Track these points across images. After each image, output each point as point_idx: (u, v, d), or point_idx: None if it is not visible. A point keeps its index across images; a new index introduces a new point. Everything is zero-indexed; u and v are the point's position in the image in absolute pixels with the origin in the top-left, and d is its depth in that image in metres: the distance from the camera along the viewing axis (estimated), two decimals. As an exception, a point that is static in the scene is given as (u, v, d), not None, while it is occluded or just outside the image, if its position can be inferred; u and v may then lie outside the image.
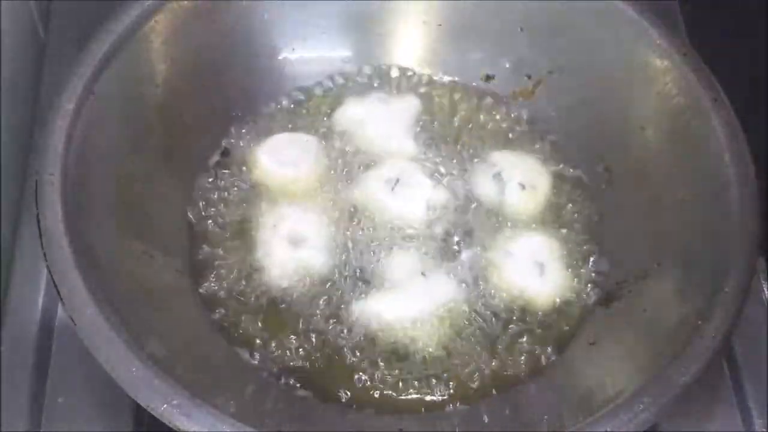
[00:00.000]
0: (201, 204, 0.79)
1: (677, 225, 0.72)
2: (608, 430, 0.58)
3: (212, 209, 0.79)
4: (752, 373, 0.73)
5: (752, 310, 0.74)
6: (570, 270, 0.77)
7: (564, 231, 0.79)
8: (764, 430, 0.71)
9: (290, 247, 0.76)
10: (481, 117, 0.86)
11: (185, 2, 0.78)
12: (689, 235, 0.71)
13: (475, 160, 0.82)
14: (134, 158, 0.74)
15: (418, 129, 0.85)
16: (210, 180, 0.81)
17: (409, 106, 0.86)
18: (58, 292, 0.61)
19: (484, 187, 0.81)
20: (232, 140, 0.83)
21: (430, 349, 0.72)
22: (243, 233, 0.78)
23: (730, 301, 0.63)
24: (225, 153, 0.82)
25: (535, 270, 0.75)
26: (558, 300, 0.75)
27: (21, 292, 0.75)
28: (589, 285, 0.76)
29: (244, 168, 0.81)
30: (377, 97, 0.85)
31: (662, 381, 0.60)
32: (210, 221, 0.78)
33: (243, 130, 0.83)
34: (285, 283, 0.75)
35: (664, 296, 0.70)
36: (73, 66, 0.71)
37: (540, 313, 0.74)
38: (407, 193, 0.79)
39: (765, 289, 0.77)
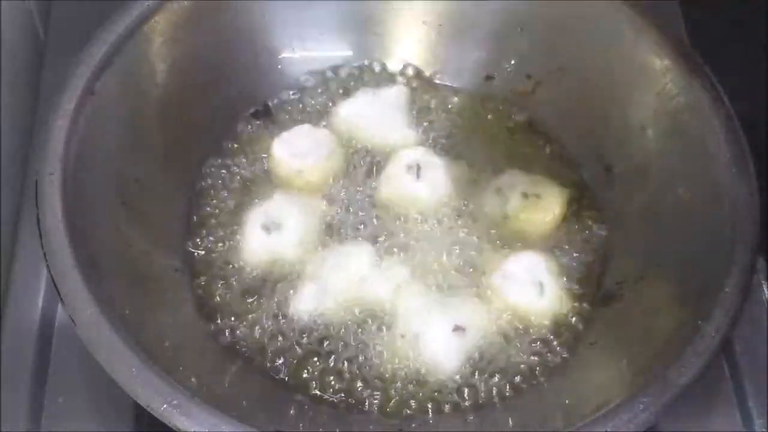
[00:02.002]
0: (202, 203, 0.79)
1: (677, 225, 0.72)
2: (608, 430, 0.58)
3: (212, 210, 0.79)
4: (752, 373, 0.73)
5: (752, 310, 0.75)
6: (570, 275, 0.76)
7: (563, 232, 0.79)
8: (764, 430, 0.71)
9: (263, 233, 0.75)
10: (481, 117, 0.86)
11: (185, 2, 0.78)
12: (689, 235, 0.71)
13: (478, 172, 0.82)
14: (134, 158, 0.74)
15: (420, 128, 0.85)
16: (211, 179, 0.81)
17: (397, 94, 0.85)
18: (58, 292, 0.61)
19: (487, 201, 0.80)
20: (235, 144, 0.83)
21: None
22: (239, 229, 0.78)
23: (730, 301, 0.63)
24: (262, 113, 0.84)
25: (534, 282, 0.74)
26: (559, 308, 0.74)
27: (21, 291, 0.75)
28: (588, 287, 0.76)
29: (246, 161, 0.82)
30: (365, 91, 0.85)
31: (662, 381, 0.60)
32: (211, 220, 0.78)
33: (245, 129, 0.84)
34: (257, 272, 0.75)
35: (664, 296, 0.70)
36: (73, 66, 0.71)
37: (541, 321, 0.74)
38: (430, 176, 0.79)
39: (765, 289, 0.77)
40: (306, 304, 0.73)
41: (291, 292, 0.74)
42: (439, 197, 0.79)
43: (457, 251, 0.77)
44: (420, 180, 0.79)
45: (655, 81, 0.76)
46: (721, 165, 0.70)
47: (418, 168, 0.79)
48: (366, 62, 0.88)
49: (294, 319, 0.73)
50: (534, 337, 0.73)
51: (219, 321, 0.73)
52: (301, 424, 0.67)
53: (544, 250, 0.77)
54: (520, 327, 0.73)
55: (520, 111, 0.86)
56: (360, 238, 0.77)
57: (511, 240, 0.78)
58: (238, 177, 0.81)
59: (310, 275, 0.74)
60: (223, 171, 0.81)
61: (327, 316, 0.73)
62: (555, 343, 0.73)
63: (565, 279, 0.75)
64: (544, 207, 0.79)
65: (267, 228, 0.76)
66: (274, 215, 0.76)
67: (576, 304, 0.75)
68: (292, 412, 0.68)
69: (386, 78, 0.88)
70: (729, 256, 0.65)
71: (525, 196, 0.79)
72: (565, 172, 0.82)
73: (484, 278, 0.75)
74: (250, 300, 0.74)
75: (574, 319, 0.74)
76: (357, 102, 0.84)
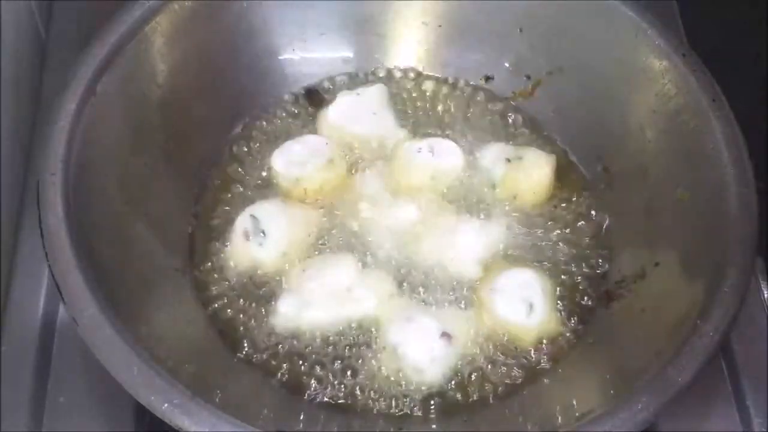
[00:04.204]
0: (203, 204, 0.80)
1: (676, 225, 0.73)
2: (607, 429, 0.58)
3: (213, 210, 0.80)
4: (751, 372, 0.73)
5: (751, 310, 0.75)
6: (567, 275, 0.77)
7: (562, 232, 0.79)
8: (763, 429, 0.71)
9: (243, 238, 0.75)
10: (481, 117, 0.86)
11: (187, 3, 0.78)
12: (688, 235, 0.71)
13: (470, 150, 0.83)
14: (135, 158, 0.74)
15: (416, 127, 0.85)
16: (212, 180, 0.81)
17: (378, 93, 0.85)
18: (60, 292, 0.62)
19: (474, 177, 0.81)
20: (236, 145, 0.83)
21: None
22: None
23: (728, 300, 0.63)
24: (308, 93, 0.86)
25: (524, 301, 0.73)
26: (547, 330, 0.73)
27: (23, 292, 0.75)
28: (587, 287, 0.76)
29: (247, 162, 0.82)
30: (346, 94, 0.85)
31: (661, 380, 0.60)
32: (212, 221, 0.79)
33: (246, 131, 0.84)
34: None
35: (662, 296, 0.70)
36: (74, 66, 0.71)
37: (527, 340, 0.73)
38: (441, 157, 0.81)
39: (763, 289, 0.77)
40: (284, 314, 0.73)
41: (272, 300, 0.74)
42: (456, 170, 0.80)
43: (450, 260, 0.76)
44: (435, 155, 0.80)
45: (654, 81, 0.76)
46: (719, 165, 0.70)
47: (431, 147, 0.80)
48: (366, 65, 0.88)
49: (275, 327, 0.73)
50: (526, 346, 0.72)
51: (219, 321, 0.73)
52: (301, 424, 0.68)
53: (540, 266, 0.76)
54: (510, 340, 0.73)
55: (519, 111, 0.86)
56: (346, 250, 0.76)
57: (507, 209, 0.79)
58: (239, 178, 0.81)
59: (290, 286, 0.74)
60: (224, 172, 0.82)
61: (309, 326, 0.72)
62: (545, 351, 0.72)
63: (558, 294, 0.75)
64: (529, 166, 0.79)
65: (247, 234, 0.75)
66: (260, 222, 0.76)
67: (567, 324, 0.74)
68: (292, 412, 0.69)
69: (386, 79, 0.88)
70: (727, 256, 0.65)
71: (508, 161, 0.80)
72: (564, 172, 0.82)
73: (475, 291, 0.74)
74: (244, 303, 0.74)
75: (568, 335, 0.73)
76: (341, 105, 0.84)
